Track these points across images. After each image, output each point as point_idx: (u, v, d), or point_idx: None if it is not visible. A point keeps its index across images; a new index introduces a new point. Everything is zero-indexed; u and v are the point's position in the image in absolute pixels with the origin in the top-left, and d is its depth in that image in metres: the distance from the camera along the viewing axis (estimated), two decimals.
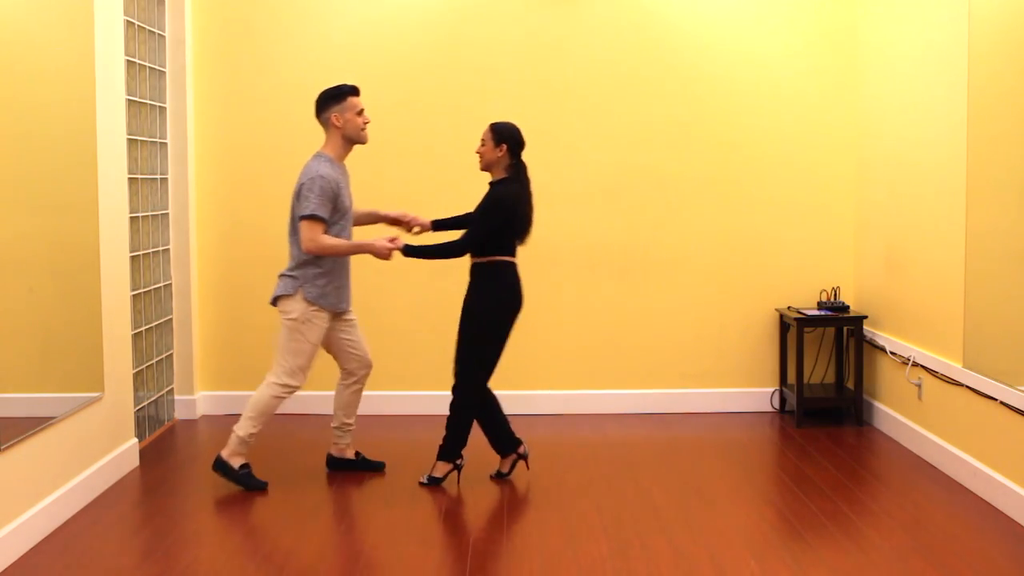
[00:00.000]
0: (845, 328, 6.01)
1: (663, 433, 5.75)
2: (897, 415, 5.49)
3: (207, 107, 6.06)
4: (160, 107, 5.76)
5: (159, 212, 5.74)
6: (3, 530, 3.77)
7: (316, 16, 6.07)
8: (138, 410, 5.34)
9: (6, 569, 3.73)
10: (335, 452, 5.02)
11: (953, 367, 4.80)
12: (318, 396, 6.16)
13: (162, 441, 5.58)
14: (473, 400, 4.73)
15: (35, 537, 3.99)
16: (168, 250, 5.88)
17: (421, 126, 6.10)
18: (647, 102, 6.10)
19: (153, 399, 5.65)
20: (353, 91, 4.75)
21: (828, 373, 6.18)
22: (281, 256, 6.12)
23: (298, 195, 4.65)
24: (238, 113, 6.10)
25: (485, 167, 4.76)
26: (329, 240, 4.63)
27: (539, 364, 6.00)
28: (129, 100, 5.21)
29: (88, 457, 4.54)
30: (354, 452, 5.04)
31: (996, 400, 4.40)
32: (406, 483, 4.79)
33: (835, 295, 6.05)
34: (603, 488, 4.71)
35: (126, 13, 5.16)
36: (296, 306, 4.69)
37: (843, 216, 6.15)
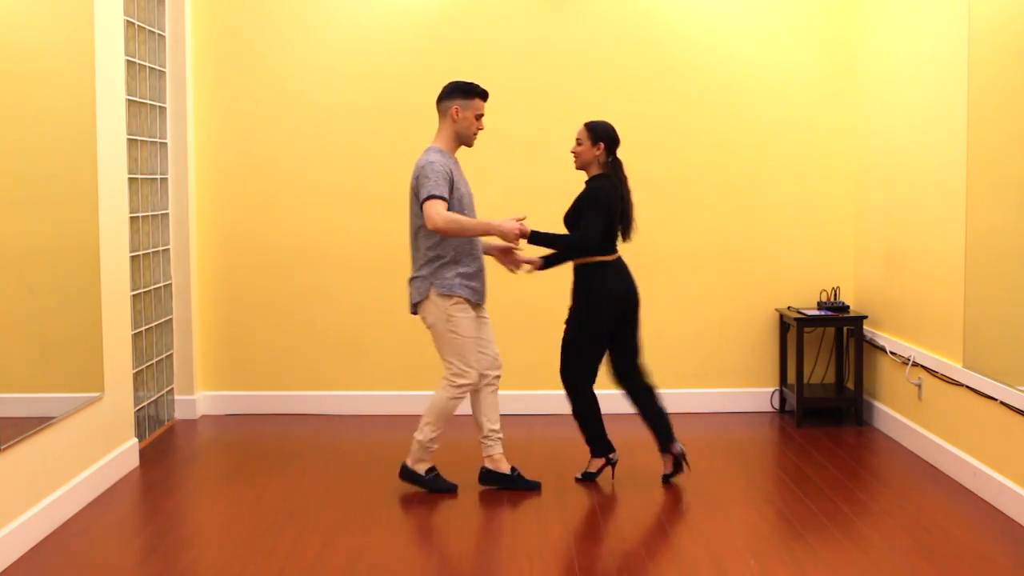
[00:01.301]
0: (845, 328, 6.01)
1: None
2: (897, 415, 5.49)
3: (207, 107, 6.06)
4: (160, 107, 5.76)
5: (159, 212, 5.74)
6: (3, 530, 3.77)
7: (315, 17, 6.07)
8: (138, 410, 5.34)
9: (6, 569, 3.73)
10: (489, 464, 4.71)
11: (953, 367, 4.79)
12: (318, 396, 6.17)
13: (162, 441, 5.58)
14: (580, 396, 4.74)
15: (35, 537, 3.99)
16: (168, 250, 5.88)
17: (420, 128, 6.08)
18: (648, 104, 6.10)
19: (153, 399, 5.65)
20: (483, 94, 4.66)
21: (828, 373, 6.18)
22: (280, 255, 6.15)
23: (415, 189, 4.52)
24: (238, 113, 6.10)
25: (581, 166, 4.77)
26: (455, 215, 4.44)
27: (539, 364, 5.98)
28: (129, 100, 5.21)
29: (88, 457, 4.54)
30: (510, 466, 4.71)
31: (996, 400, 4.40)
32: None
33: (835, 295, 6.05)
34: (603, 488, 4.71)
35: (126, 13, 5.16)
36: (432, 310, 4.54)
37: (843, 216, 6.15)
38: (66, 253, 4.47)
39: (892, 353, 5.54)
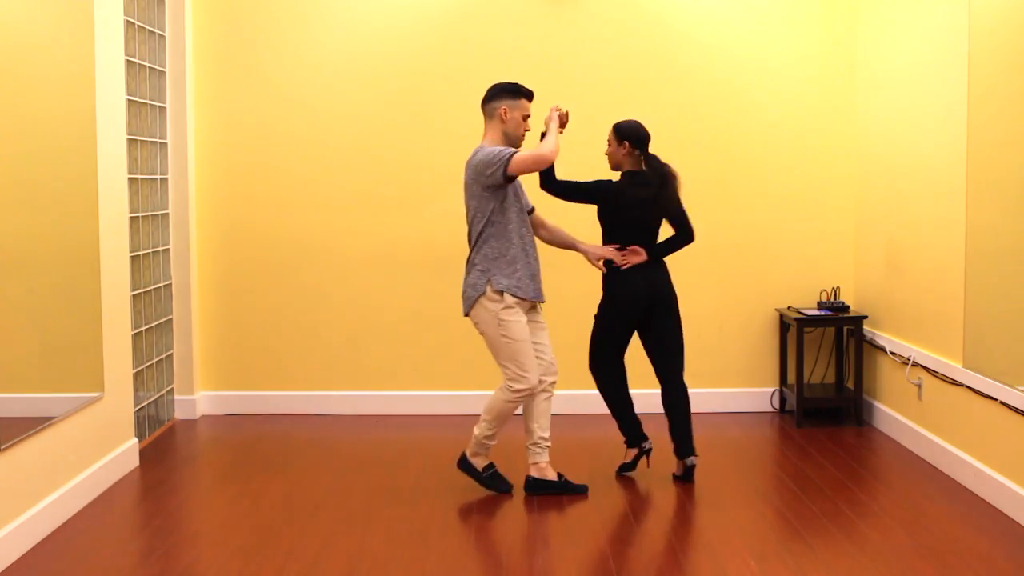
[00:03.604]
0: (845, 328, 6.01)
1: (663, 433, 5.75)
2: (897, 415, 5.48)
3: (207, 107, 6.06)
4: (160, 107, 5.76)
5: (159, 212, 5.74)
6: (3, 530, 3.77)
7: (315, 17, 6.07)
8: (138, 410, 5.34)
9: (6, 569, 3.73)
10: (535, 473, 4.59)
11: (953, 367, 4.79)
12: (318, 396, 6.17)
13: (162, 441, 5.58)
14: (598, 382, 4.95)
15: (35, 537, 3.99)
16: (168, 250, 5.88)
17: (420, 128, 6.10)
18: (648, 105, 6.09)
19: (153, 399, 5.65)
20: (529, 95, 4.61)
21: (828, 373, 6.18)
22: (280, 255, 6.15)
23: (480, 171, 4.42)
24: (238, 113, 6.10)
25: (615, 167, 4.84)
26: (544, 142, 4.50)
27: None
28: (129, 100, 5.21)
29: (88, 457, 4.54)
30: (556, 473, 4.61)
31: (996, 400, 4.40)
32: (406, 483, 4.79)
33: (835, 295, 6.05)
34: (603, 488, 4.71)
35: (126, 13, 5.16)
36: (483, 315, 4.46)
37: (843, 216, 6.15)
38: (66, 253, 4.47)
39: (892, 353, 5.54)
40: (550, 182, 4.72)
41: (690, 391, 6.17)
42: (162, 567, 3.79)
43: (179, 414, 6.04)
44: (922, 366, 5.15)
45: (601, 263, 4.77)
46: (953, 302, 4.79)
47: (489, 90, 4.63)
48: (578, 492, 4.60)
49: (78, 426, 4.45)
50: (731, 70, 6.10)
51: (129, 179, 5.15)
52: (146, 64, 5.54)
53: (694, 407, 6.14)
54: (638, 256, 4.74)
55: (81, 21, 4.51)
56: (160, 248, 5.76)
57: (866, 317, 5.84)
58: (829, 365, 6.19)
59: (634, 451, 4.91)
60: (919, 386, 5.20)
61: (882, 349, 5.67)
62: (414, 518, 4.36)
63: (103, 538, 4.12)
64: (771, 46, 6.10)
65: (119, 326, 4.91)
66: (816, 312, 5.91)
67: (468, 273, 4.54)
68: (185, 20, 5.89)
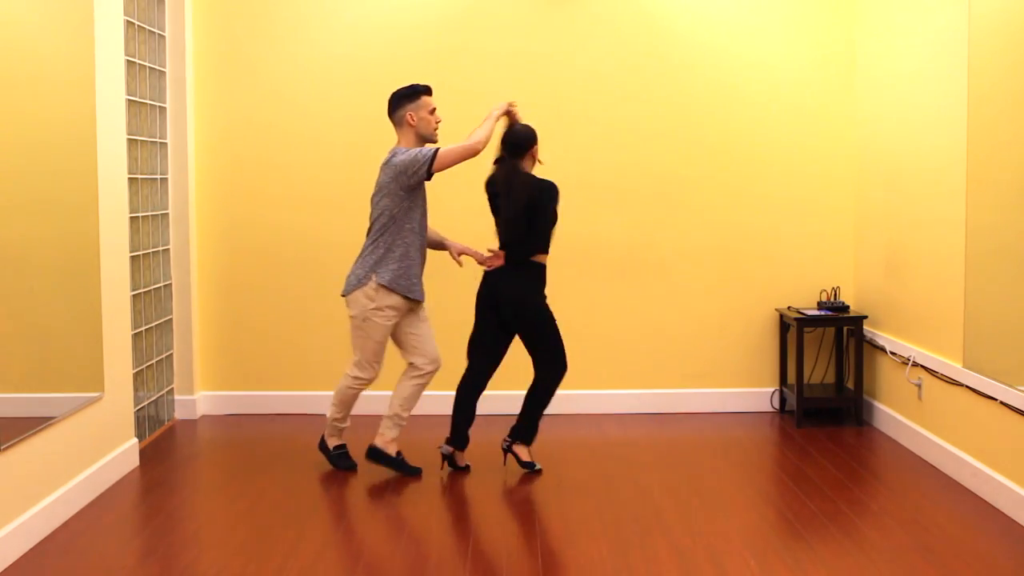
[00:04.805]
0: (845, 328, 6.01)
1: (663, 433, 5.76)
2: (897, 415, 5.49)
3: (207, 107, 6.07)
4: (160, 107, 5.77)
5: (159, 212, 5.74)
6: (3, 530, 3.77)
7: (315, 17, 6.07)
8: (138, 410, 5.34)
9: (6, 569, 3.73)
10: (378, 443, 4.91)
11: (953, 367, 4.80)
12: (318, 396, 6.16)
13: (162, 441, 5.58)
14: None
15: (35, 537, 3.99)
16: (168, 250, 5.88)
17: None
18: (648, 106, 6.10)
19: (153, 399, 5.65)
20: (427, 90, 4.81)
21: (828, 373, 6.18)
22: (280, 255, 6.15)
23: (402, 171, 4.67)
24: (238, 113, 6.10)
25: None
26: (476, 132, 4.68)
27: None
28: (129, 100, 5.21)
29: (88, 457, 4.54)
30: (396, 450, 4.90)
31: (996, 400, 4.40)
32: (406, 483, 4.79)
33: (835, 295, 6.05)
34: (603, 488, 4.71)
35: (126, 13, 5.16)
36: (358, 305, 4.74)
37: (843, 216, 6.16)
38: (66, 253, 4.47)
39: (892, 353, 5.54)
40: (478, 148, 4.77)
41: (690, 391, 6.23)
42: (162, 567, 3.79)
43: (179, 414, 6.04)
44: (922, 366, 5.15)
45: (461, 258, 5.04)
46: (953, 302, 4.79)
47: (389, 101, 4.86)
48: (411, 473, 4.86)
49: (78, 426, 4.45)
50: (731, 71, 6.10)
51: (129, 179, 5.15)
52: (146, 64, 5.54)
53: (695, 407, 6.19)
54: (497, 260, 4.87)
55: (81, 21, 4.51)
56: (160, 248, 5.76)
57: (866, 317, 5.84)
58: (829, 365, 6.19)
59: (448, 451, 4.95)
60: (919, 386, 5.20)
61: (882, 349, 5.67)
62: (414, 518, 4.36)
63: (103, 538, 4.12)
64: (771, 47, 6.10)
65: (119, 326, 4.91)
66: (816, 312, 5.91)
67: (359, 262, 4.80)
68: (185, 20, 5.89)
